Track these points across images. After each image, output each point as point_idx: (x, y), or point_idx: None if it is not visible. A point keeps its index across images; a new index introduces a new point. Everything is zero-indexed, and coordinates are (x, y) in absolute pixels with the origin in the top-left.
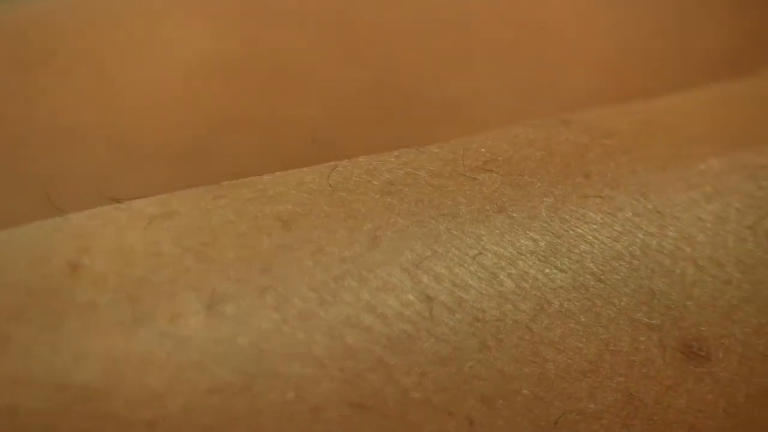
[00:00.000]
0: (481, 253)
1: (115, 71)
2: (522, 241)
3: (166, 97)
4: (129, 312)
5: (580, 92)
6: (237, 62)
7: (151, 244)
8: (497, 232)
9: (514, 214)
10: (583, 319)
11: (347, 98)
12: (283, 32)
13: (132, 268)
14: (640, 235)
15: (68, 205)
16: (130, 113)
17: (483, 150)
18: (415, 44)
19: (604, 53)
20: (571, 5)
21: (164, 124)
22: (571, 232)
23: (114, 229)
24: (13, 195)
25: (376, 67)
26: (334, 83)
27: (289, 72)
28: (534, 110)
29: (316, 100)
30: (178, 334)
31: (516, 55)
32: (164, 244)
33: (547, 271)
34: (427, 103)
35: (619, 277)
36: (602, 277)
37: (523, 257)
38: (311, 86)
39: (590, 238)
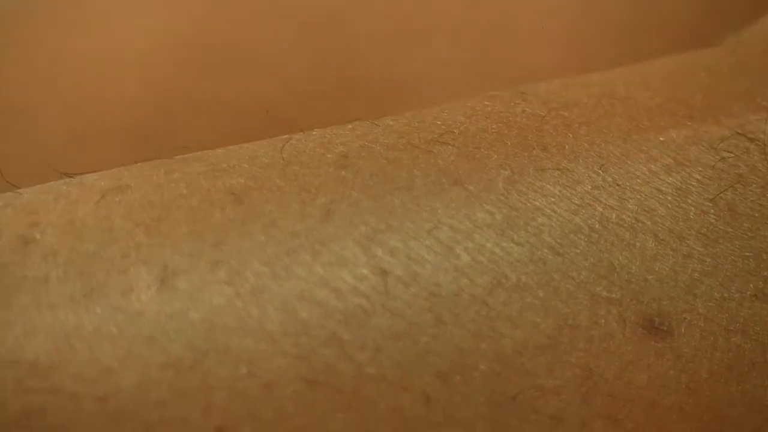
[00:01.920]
0: (436, 227)
1: (66, 49)
2: (478, 215)
3: (118, 75)
4: (80, 287)
5: (539, 66)
6: (190, 39)
7: (102, 218)
8: (453, 205)
9: (470, 187)
10: (540, 294)
11: (301, 76)
12: (236, 9)
13: (83, 242)
14: (599, 208)
15: (20, 180)
16: (82, 91)
17: (438, 122)
18: (369, 20)
19: (562, 26)
20: None
21: (117, 102)
22: (529, 205)
23: (65, 203)
24: None
25: (331, 43)
26: (288, 61)
27: (242, 49)
28: (491, 86)
29: (269, 77)
30: (129, 309)
31: (472, 29)
32: (116, 218)
33: (504, 244)
34: (382, 79)
35: (577, 251)
36: (560, 250)
37: (479, 230)
38: (264, 63)
39: (548, 211)
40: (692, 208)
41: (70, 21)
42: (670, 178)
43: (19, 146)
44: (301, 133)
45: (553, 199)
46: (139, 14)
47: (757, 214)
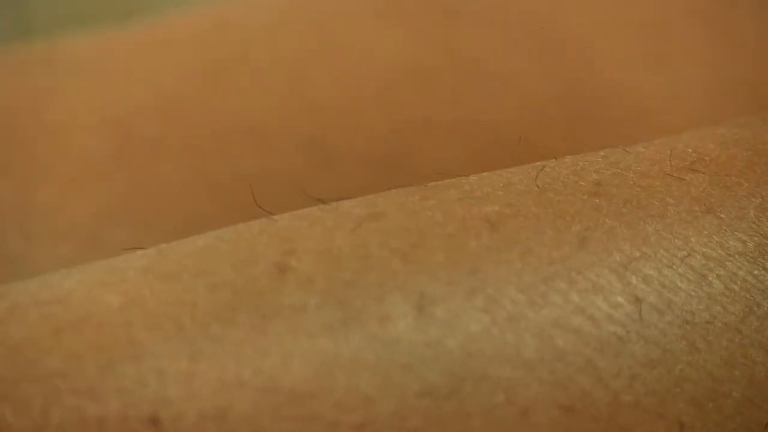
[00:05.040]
0: (689, 255)
1: (309, 74)
2: (730, 242)
3: (361, 99)
4: (338, 314)
5: None
6: (432, 65)
7: (358, 246)
8: (705, 233)
9: (722, 215)
10: None
11: (543, 100)
12: (478, 34)
13: (340, 270)
14: None
15: (272, 206)
16: (325, 115)
17: (690, 150)
18: (610, 44)
19: None
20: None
21: (361, 127)
22: None
23: (321, 230)
24: (216, 197)
25: (573, 67)
26: (530, 84)
27: (485, 74)
28: (732, 110)
29: (512, 101)
30: (387, 337)
31: (712, 53)
32: (372, 246)
33: (756, 272)
34: (625, 103)
35: None
36: None
37: (731, 258)
38: (507, 87)
39: None
40: None
41: (312, 47)
42: None
43: (267, 173)
44: (554, 160)
45: None
46: (381, 40)
47: None
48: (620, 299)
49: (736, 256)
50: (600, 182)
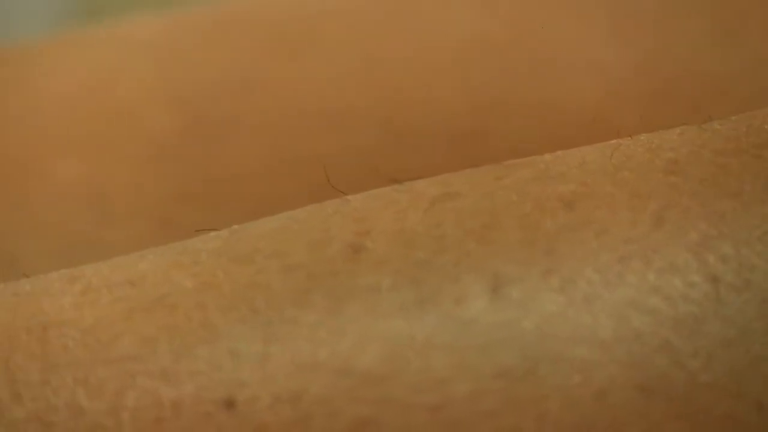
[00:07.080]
0: (766, 233)
1: (382, 52)
2: None
3: (435, 78)
4: (412, 295)
5: None
6: (506, 42)
7: (433, 226)
8: None
9: None
10: None
11: (618, 77)
12: (551, 11)
13: (414, 250)
14: None
15: (346, 186)
16: (398, 94)
17: (767, 126)
18: (684, 19)
19: None
20: None
21: (435, 105)
22: None
23: (395, 210)
24: (289, 177)
25: (647, 44)
26: (605, 62)
27: (559, 50)
28: None
29: (587, 79)
30: (462, 318)
31: None
32: (446, 226)
33: None
34: (700, 79)
35: None
36: None
37: None
38: (581, 65)
39: None
40: None
41: (383, 25)
42: None
43: (341, 153)
44: (629, 138)
45: None
46: (454, 18)
47: None
48: (697, 278)
49: None
50: (675, 160)
